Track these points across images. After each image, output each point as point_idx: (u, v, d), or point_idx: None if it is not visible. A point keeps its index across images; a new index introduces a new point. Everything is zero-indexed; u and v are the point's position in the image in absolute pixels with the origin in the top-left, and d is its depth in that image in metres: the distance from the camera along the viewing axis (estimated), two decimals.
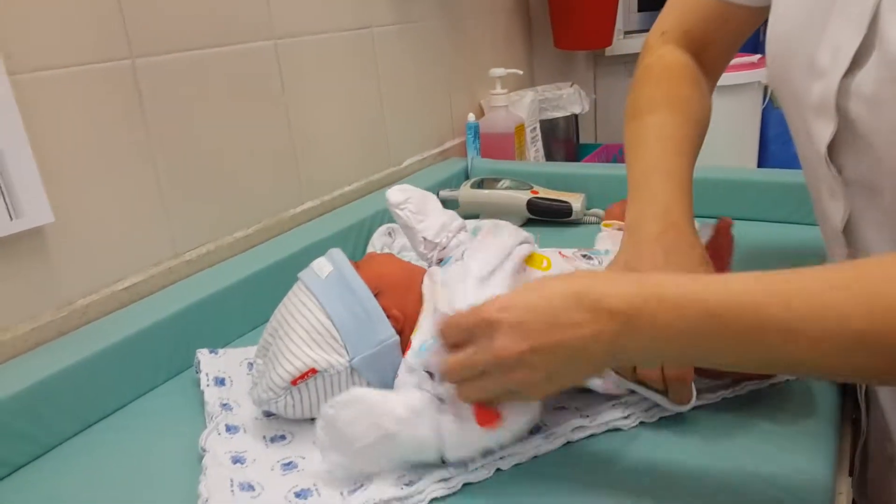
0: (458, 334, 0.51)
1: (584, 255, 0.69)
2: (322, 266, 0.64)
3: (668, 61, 0.72)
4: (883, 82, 0.46)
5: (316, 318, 0.61)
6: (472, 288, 0.58)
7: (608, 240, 0.77)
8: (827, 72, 0.50)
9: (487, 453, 0.55)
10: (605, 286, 0.46)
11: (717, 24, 0.72)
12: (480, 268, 0.59)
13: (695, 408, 0.59)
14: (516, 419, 0.54)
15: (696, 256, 0.59)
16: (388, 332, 0.61)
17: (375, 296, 0.62)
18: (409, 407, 0.53)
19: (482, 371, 0.49)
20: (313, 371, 0.59)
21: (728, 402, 0.60)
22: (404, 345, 0.61)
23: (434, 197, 0.71)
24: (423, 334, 0.59)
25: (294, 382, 0.59)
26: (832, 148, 0.52)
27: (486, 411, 0.53)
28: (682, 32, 0.73)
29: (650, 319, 0.44)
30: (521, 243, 0.64)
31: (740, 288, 0.43)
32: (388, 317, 0.62)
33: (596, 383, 0.59)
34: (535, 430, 0.58)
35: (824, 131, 0.51)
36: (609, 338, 0.45)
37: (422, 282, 0.66)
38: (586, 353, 0.46)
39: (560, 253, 0.68)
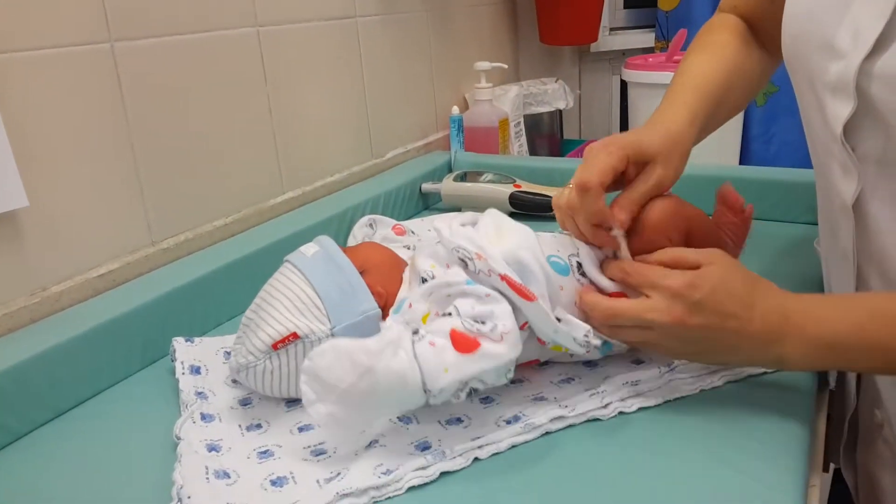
0: (640, 281, 0.57)
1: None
2: (309, 247, 0.65)
3: (712, 22, 0.78)
4: None
5: (300, 288, 0.61)
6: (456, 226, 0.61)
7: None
8: (847, 53, 0.52)
9: (466, 385, 0.54)
10: (778, 294, 0.56)
11: (762, 7, 0.74)
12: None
13: (671, 400, 0.60)
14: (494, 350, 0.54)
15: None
16: (371, 304, 0.62)
17: (361, 274, 0.63)
18: (380, 338, 0.53)
19: (646, 326, 0.56)
20: (295, 336, 0.59)
21: (705, 395, 0.61)
22: (385, 318, 0.62)
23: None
24: (398, 300, 0.61)
25: (275, 346, 0.59)
26: (847, 127, 0.54)
27: (464, 337, 0.53)
28: (732, 7, 0.78)
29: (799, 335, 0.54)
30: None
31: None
32: (373, 294, 0.63)
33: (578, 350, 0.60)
34: (512, 420, 0.58)
35: (842, 110, 0.53)
36: (773, 343, 0.54)
37: (403, 267, 0.67)
38: (745, 348, 0.55)
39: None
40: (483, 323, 0.54)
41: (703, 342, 0.56)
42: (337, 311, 0.61)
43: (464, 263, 0.58)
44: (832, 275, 0.67)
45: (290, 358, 0.60)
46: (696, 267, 0.56)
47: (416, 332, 0.54)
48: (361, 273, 0.63)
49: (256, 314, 0.62)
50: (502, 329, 0.54)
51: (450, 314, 0.56)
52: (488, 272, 0.56)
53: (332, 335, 0.60)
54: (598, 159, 0.60)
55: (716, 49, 0.73)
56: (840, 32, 0.52)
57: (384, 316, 0.62)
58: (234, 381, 0.66)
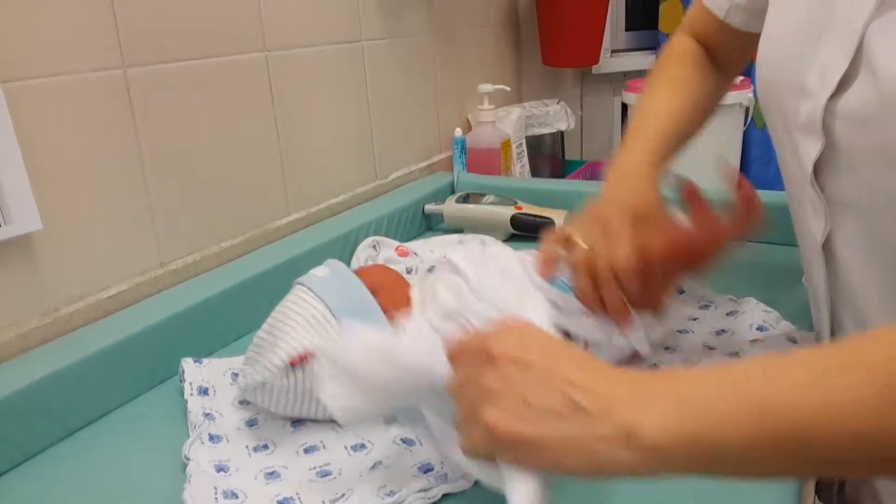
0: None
1: None
2: (319, 270, 0.67)
3: (672, 49, 0.82)
4: (867, 104, 0.49)
5: (313, 306, 0.63)
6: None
7: None
8: (815, 93, 0.53)
9: None
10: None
11: (716, 36, 0.79)
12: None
13: None
14: None
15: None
16: (385, 324, 0.63)
17: (372, 293, 0.65)
18: (403, 325, 0.55)
19: None
20: (311, 354, 0.60)
21: None
22: None
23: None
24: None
25: (292, 363, 0.60)
26: (817, 167, 0.54)
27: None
28: (693, 33, 0.82)
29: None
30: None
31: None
32: (384, 312, 0.64)
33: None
34: None
35: (811, 150, 0.54)
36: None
37: (409, 288, 0.69)
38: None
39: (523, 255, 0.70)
40: None
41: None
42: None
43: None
44: (813, 316, 0.68)
45: (306, 376, 0.61)
46: None
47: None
48: (372, 293, 0.65)
49: (271, 334, 0.63)
50: None
51: None
52: None
53: None
54: (624, 238, 0.62)
55: (677, 87, 0.77)
56: (810, 73, 0.53)
57: None
58: (241, 403, 0.68)
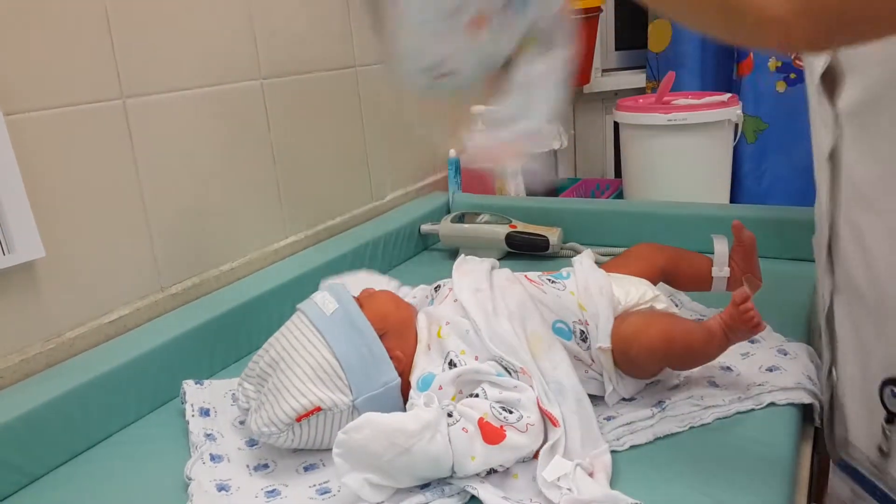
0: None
1: (549, 279, 0.72)
2: (326, 301, 0.66)
3: None
4: None
5: (322, 356, 0.62)
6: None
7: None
8: None
9: (491, 472, 0.58)
10: None
11: None
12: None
13: (660, 438, 0.63)
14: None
15: None
16: (392, 375, 0.64)
17: (380, 336, 0.65)
18: (417, 419, 0.55)
19: None
20: (318, 409, 0.60)
21: (694, 431, 0.63)
22: (404, 384, 0.64)
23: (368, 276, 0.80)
24: (420, 370, 0.64)
25: (299, 419, 0.60)
26: (825, 80, 0.60)
27: (491, 427, 0.56)
28: None
29: None
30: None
31: None
32: (392, 358, 0.64)
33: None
34: None
35: (818, 64, 0.60)
36: None
37: (415, 320, 0.69)
38: None
39: (526, 276, 0.72)
40: (510, 412, 0.58)
41: None
42: (358, 382, 0.62)
43: (500, 366, 0.62)
44: (816, 226, 0.70)
45: (312, 427, 0.62)
46: None
47: (450, 415, 0.57)
48: (380, 336, 0.64)
49: (275, 374, 0.63)
50: (527, 421, 0.58)
51: (477, 395, 0.60)
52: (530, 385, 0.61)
53: (354, 406, 0.62)
54: None
55: None
56: None
57: (403, 383, 0.64)
58: (242, 423, 0.69)
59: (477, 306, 0.66)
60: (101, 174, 0.78)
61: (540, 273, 0.73)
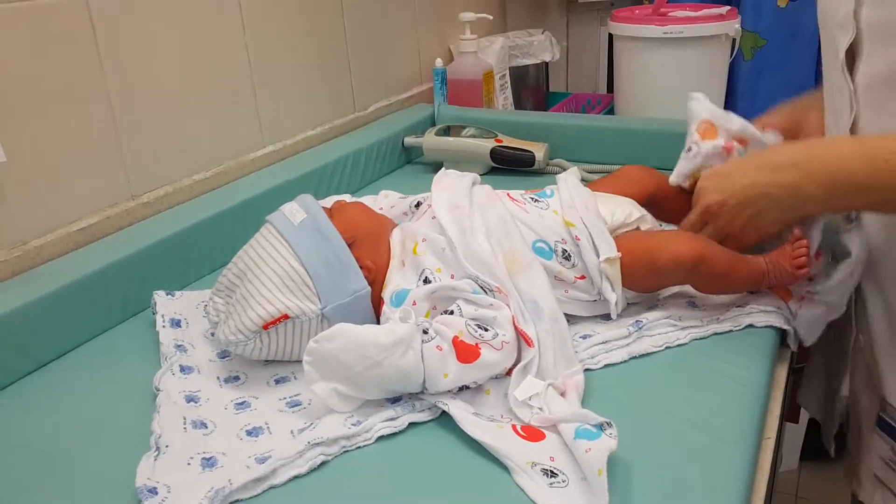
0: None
1: (532, 198, 0.70)
2: (294, 212, 0.64)
3: None
4: None
5: (289, 264, 0.61)
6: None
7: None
8: None
9: (463, 388, 0.57)
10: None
11: None
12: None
13: (635, 357, 0.62)
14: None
15: None
16: (362, 283, 0.62)
17: (349, 245, 0.63)
18: (391, 333, 0.55)
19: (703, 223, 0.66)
20: (285, 317, 0.60)
21: (670, 351, 0.63)
22: (374, 295, 0.63)
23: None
24: (394, 286, 0.62)
25: (266, 327, 0.60)
26: (848, 56, 0.63)
27: (465, 346, 0.55)
28: None
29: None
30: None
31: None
32: (361, 267, 0.63)
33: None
34: None
35: (843, 39, 0.62)
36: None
37: (391, 233, 0.67)
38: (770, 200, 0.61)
39: (508, 195, 0.70)
40: (486, 329, 0.57)
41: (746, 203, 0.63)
42: (327, 290, 0.61)
43: (476, 284, 0.60)
44: None
45: (280, 336, 0.61)
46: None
47: (425, 332, 0.56)
48: (350, 244, 0.63)
49: (243, 285, 0.62)
50: (503, 338, 0.57)
51: (452, 312, 0.58)
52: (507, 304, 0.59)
53: (322, 315, 0.61)
54: None
55: None
56: None
57: (374, 294, 0.63)
58: (213, 335, 0.68)
59: (454, 223, 0.64)
60: (64, 76, 0.74)
61: (523, 192, 0.71)
